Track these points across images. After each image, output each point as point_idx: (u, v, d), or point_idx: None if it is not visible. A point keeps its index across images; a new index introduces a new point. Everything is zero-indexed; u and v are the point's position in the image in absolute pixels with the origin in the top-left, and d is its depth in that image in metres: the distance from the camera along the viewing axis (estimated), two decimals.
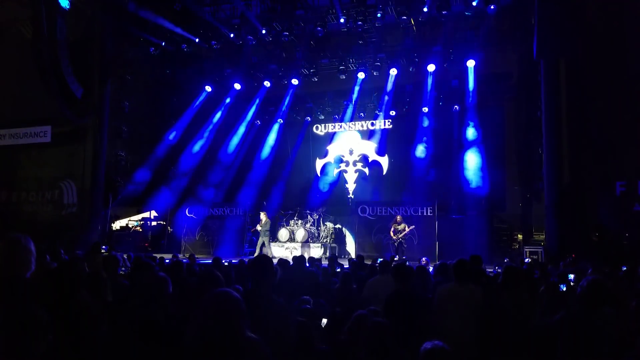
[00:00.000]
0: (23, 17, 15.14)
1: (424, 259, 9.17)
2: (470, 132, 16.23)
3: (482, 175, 15.55)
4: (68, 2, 14.47)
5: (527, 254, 12.60)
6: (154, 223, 18.56)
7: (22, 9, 15.15)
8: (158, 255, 11.10)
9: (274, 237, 16.22)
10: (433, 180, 16.50)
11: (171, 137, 17.63)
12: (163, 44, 15.33)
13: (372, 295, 5.25)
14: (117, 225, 17.55)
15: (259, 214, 15.05)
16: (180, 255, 13.62)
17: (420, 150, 16.54)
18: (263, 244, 14.44)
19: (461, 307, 4.10)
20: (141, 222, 18.69)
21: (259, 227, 14.64)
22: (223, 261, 8.66)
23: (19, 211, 15.87)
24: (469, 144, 16.31)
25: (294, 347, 3.16)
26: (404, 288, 4.19)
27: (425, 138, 16.77)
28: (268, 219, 14.69)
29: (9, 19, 15.75)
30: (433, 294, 5.01)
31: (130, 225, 18.09)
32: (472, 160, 15.90)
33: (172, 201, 17.85)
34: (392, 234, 12.93)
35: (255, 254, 13.89)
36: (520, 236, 15.14)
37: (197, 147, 18.50)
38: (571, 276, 6.73)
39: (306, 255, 9.99)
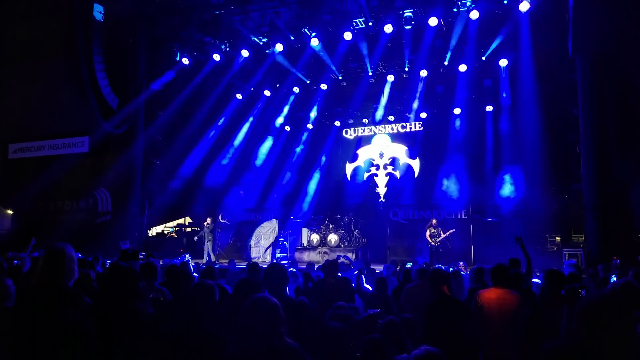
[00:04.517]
0: (59, 32, 15.67)
1: (461, 263, 9.03)
2: (504, 133, 15.91)
3: (517, 176, 15.20)
4: (102, 15, 14.95)
5: (566, 257, 12.23)
6: (188, 229, 18.90)
7: (58, 24, 15.72)
8: (193, 261, 11.28)
9: (306, 242, 16.26)
10: (467, 183, 16.22)
11: (206, 142, 17.93)
12: (195, 53, 15.60)
13: (410, 301, 5.17)
14: (153, 232, 17.94)
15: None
16: (214, 261, 13.82)
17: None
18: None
19: (501, 314, 3.99)
20: (176, 229, 19.07)
21: (206, 228, 14.75)
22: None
23: (56, 221, 16.21)
24: (503, 144, 15.99)
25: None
26: (442, 295, 4.10)
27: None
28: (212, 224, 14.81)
29: (46, 34, 16.31)
30: (469, 300, 4.90)
31: (165, 232, 18.48)
32: (506, 161, 15.57)
33: (206, 207, 18.13)
34: (428, 237, 12.73)
35: (204, 260, 14.06)
36: (558, 238, 14.70)
37: (228, 154, 18.78)
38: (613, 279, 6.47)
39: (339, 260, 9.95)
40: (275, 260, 15.52)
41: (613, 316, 2.06)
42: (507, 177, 15.31)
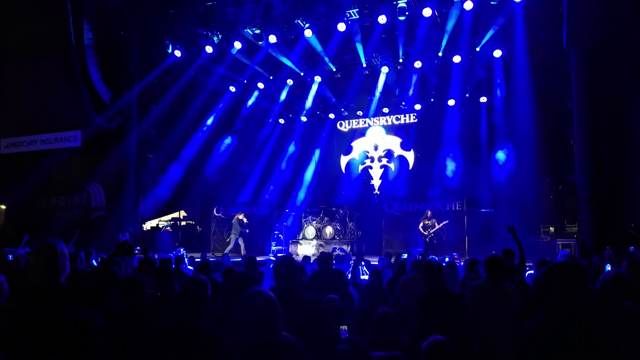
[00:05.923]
0: (51, 26, 15.46)
1: (455, 254, 9.06)
2: (499, 124, 15.94)
3: (511, 168, 15.25)
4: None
5: (560, 247, 12.32)
6: (183, 223, 18.85)
7: (49, 18, 15.51)
8: (188, 255, 11.25)
9: (301, 235, 16.26)
10: (461, 174, 16.27)
11: (199, 135, 17.85)
12: (187, 45, 15.47)
13: (405, 293, 5.19)
14: (147, 226, 17.87)
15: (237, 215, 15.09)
16: (209, 254, 13.79)
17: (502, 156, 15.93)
18: (237, 241, 14.52)
19: (496, 306, 4.00)
20: (171, 223, 19.01)
21: (244, 219, 14.75)
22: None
23: (50, 216, 15.97)
24: (497, 136, 16.02)
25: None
26: (436, 287, 4.11)
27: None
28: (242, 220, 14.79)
29: (37, 30, 16.08)
30: (463, 291, 4.91)
31: (160, 226, 18.41)
32: (500, 153, 15.62)
33: (201, 201, 18.06)
34: (421, 229, 12.81)
35: (230, 249, 14.01)
36: (552, 228, 14.79)
37: (223, 147, 18.72)
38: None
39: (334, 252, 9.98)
40: (275, 254, 15.54)
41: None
42: (501, 168, 15.36)
